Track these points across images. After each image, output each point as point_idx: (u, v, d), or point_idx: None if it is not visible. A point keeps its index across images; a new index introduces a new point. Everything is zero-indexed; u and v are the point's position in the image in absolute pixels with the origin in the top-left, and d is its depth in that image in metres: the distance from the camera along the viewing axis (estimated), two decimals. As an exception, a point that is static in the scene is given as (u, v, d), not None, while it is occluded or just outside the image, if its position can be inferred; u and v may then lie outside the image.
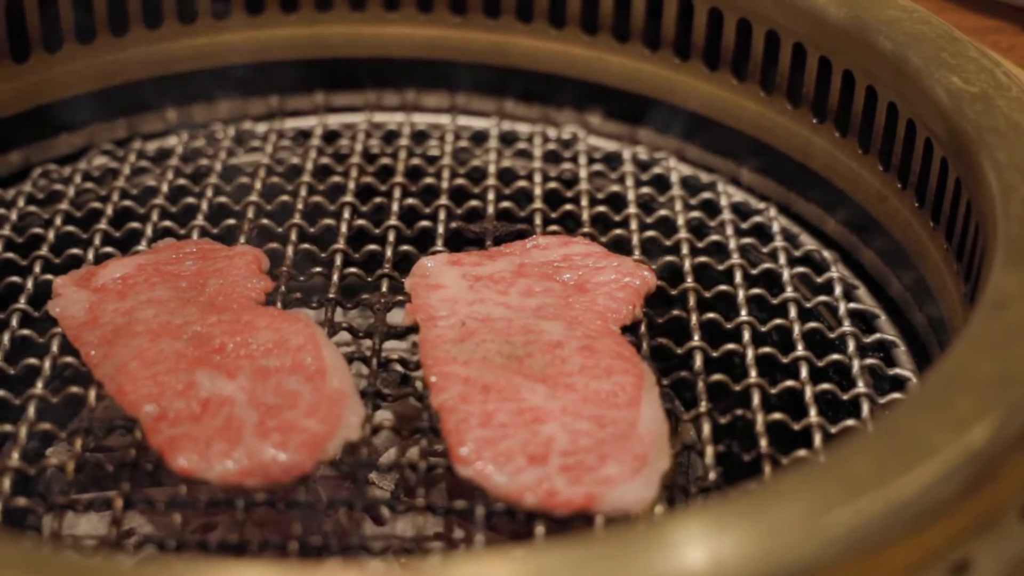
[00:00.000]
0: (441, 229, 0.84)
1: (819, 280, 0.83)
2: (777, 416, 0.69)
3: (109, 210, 0.87)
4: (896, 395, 0.73)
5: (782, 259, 0.84)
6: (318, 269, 0.81)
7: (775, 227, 0.88)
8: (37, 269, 0.81)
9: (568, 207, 0.88)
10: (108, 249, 0.82)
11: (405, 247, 0.82)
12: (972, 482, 0.51)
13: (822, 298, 0.81)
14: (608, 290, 0.75)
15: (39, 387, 0.70)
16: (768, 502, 0.51)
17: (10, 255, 0.83)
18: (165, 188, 0.89)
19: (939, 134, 0.76)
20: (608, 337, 0.71)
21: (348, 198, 0.87)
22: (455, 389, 0.67)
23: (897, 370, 0.77)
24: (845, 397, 0.72)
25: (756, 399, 0.70)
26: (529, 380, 0.68)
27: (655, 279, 0.77)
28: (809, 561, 0.48)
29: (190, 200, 0.88)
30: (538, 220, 0.85)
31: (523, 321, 0.72)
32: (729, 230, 0.86)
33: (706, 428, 0.68)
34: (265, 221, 0.85)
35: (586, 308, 0.74)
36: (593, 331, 0.71)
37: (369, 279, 0.80)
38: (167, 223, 0.85)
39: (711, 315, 0.77)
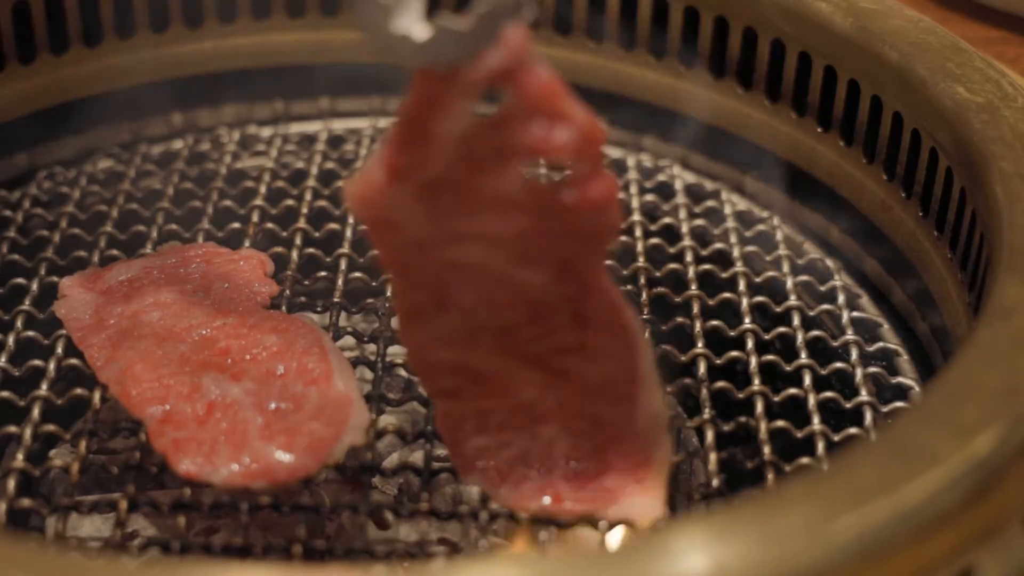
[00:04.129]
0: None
1: (822, 288, 0.83)
2: (780, 424, 0.69)
3: (114, 213, 0.87)
4: (899, 404, 0.73)
5: (785, 267, 0.84)
6: (323, 273, 0.81)
7: (779, 235, 0.88)
8: (42, 271, 0.81)
9: (572, 214, 0.88)
10: (113, 252, 0.83)
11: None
12: (977, 491, 0.52)
13: (825, 306, 0.81)
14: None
15: (44, 389, 0.70)
16: (773, 509, 0.51)
17: (15, 257, 0.83)
18: (170, 191, 0.90)
19: (944, 144, 0.76)
20: (603, 296, 0.62)
21: (353, 203, 0.87)
22: (445, 382, 0.64)
23: (900, 379, 0.77)
24: (848, 405, 0.72)
25: (759, 407, 0.70)
26: (521, 365, 0.63)
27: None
28: (814, 568, 0.48)
29: (195, 204, 0.88)
30: (542, 226, 0.85)
31: (506, 272, 0.61)
32: (733, 238, 0.86)
33: (709, 435, 0.68)
34: (270, 225, 0.86)
35: (572, 245, 0.61)
36: (587, 285, 0.62)
37: (374, 283, 0.80)
38: (172, 226, 0.85)
39: (715, 323, 0.77)
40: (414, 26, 0.55)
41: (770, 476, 0.66)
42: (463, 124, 0.57)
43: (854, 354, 0.75)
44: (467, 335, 0.62)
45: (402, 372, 0.74)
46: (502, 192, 0.59)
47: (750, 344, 0.75)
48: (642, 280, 0.80)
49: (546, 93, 0.56)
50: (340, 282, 0.80)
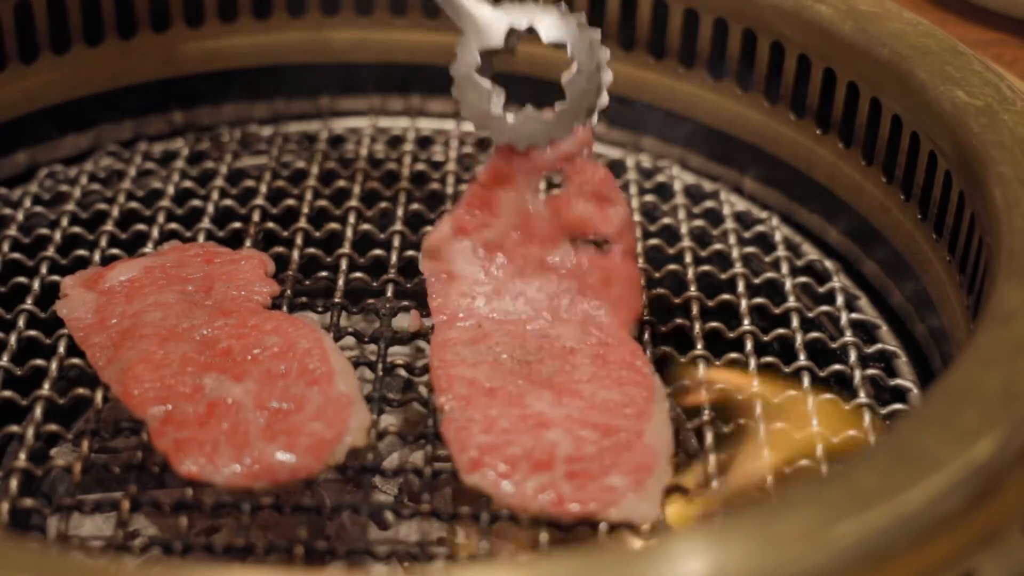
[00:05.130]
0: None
1: (821, 290, 0.83)
2: (779, 425, 0.70)
3: (115, 212, 0.87)
4: (897, 405, 0.74)
5: (784, 269, 0.84)
6: (324, 273, 0.81)
7: (777, 237, 0.88)
8: (44, 270, 0.81)
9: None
10: (114, 251, 0.83)
11: (410, 252, 0.83)
12: (977, 496, 0.52)
13: (824, 308, 0.81)
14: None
15: (46, 388, 0.70)
16: (774, 513, 0.51)
17: (16, 255, 0.83)
18: (171, 190, 0.90)
19: (943, 147, 0.76)
20: (624, 347, 0.71)
21: (353, 203, 0.87)
22: (459, 391, 0.67)
23: (898, 380, 0.77)
24: (846, 407, 0.72)
25: (758, 408, 0.70)
26: (535, 386, 0.68)
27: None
28: (815, 573, 0.48)
29: (196, 203, 0.89)
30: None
31: (538, 323, 0.73)
32: (732, 239, 0.86)
33: (709, 437, 0.69)
34: (271, 225, 0.86)
35: (600, 305, 0.74)
36: (609, 339, 0.71)
37: (374, 284, 0.80)
38: (173, 225, 0.86)
39: (714, 324, 0.77)
40: (505, 110, 0.74)
41: (770, 479, 0.66)
42: (527, 198, 0.75)
43: (853, 356, 0.76)
44: (491, 362, 0.69)
45: (403, 373, 0.75)
46: (547, 259, 0.75)
47: (749, 345, 0.75)
48: (642, 281, 0.80)
49: (603, 181, 0.74)
50: (341, 282, 0.80)
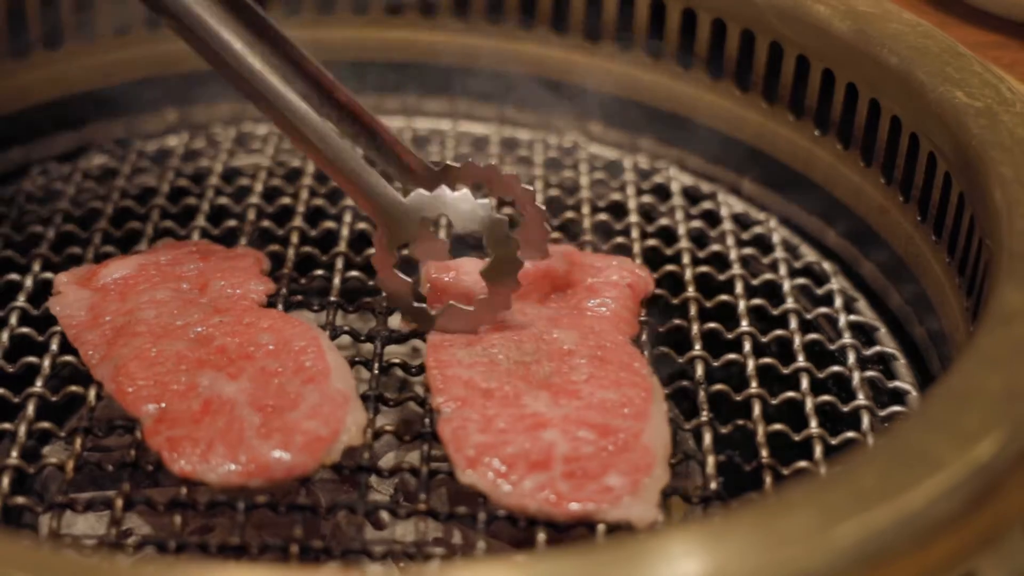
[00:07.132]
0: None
1: (819, 292, 0.83)
2: (777, 427, 0.69)
3: (109, 209, 0.87)
4: (896, 408, 0.73)
5: (783, 270, 0.84)
6: (320, 272, 0.81)
7: (776, 238, 0.88)
8: (36, 267, 0.80)
9: (569, 215, 0.88)
10: (108, 248, 0.82)
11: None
12: (978, 496, 0.52)
13: (822, 310, 0.81)
14: (619, 291, 0.76)
15: (38, 385, 0.70)
16: (774, 513, 0.51)
17: (9, 253, 0.83)
18: (165, 188, 0.89)
19: (943, 148, 0.76)
20: (621, 349, 0.71)
21: (350, 201, 0.87)
22: (455, 392, 0.67)
23: (897, 383, 0.77)
24: (845, 409, 0.72)
25: (757, 409, 0.70)
26: (532, 387, 0.68)
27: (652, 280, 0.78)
28: (815, 574, 0.48)
29: (191, 201, 0.88)
30: (539, 227, 0.85)
31: (537, 328, 0.73)
32: (730, 240, 0.86)
33: (707, 438, 0.68)
34: (266, 223, 0.85)
35: (600, 317, 0.74)
36: (607, 342, 0.71)
37: (371, 282, 0.79)
38: (167, 223, 0.85)
39: (712, 325, 0.77)
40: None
41: (768, 479, 0.66)
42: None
43: (851, 358, 0.75)
44: (487, 363, 0.69)
45: (399, 372, 0.74)
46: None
47: (747, 347, 0.75)
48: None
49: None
50: (337, 281, 0.79)
